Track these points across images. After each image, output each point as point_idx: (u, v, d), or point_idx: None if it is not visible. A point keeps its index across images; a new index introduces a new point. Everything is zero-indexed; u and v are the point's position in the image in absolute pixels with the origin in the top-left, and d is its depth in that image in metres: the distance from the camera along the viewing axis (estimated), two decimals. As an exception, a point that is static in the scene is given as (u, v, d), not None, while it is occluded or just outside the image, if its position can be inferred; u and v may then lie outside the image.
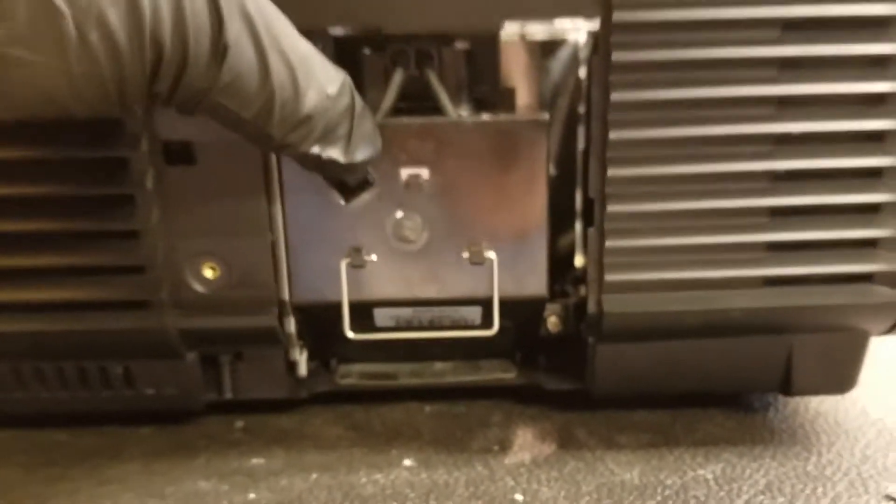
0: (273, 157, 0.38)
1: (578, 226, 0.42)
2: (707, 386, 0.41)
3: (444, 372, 0.46)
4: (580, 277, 0.42)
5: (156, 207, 0.37)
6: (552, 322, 0.43)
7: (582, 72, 0.40)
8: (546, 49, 0.42)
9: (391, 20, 0.36)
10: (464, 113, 0.40)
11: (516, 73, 0.41)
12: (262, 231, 0.38)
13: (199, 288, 0.39)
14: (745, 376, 0.41)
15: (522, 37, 0.39)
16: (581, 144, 0.40)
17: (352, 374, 0.45)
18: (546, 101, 0.43)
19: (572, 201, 0.42)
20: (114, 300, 0.38)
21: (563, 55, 0.43)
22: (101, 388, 0.41)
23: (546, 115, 0.38)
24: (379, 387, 0.45)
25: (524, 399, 0.45)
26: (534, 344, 0.44)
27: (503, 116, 0.38)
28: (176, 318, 0.39)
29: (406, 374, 0.45)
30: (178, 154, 0.37)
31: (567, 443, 0.41)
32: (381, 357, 0.46)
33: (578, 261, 0.43)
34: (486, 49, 0.40)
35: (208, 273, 0.39)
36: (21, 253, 0.37)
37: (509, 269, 0.39)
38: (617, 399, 0.43)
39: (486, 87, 0.41)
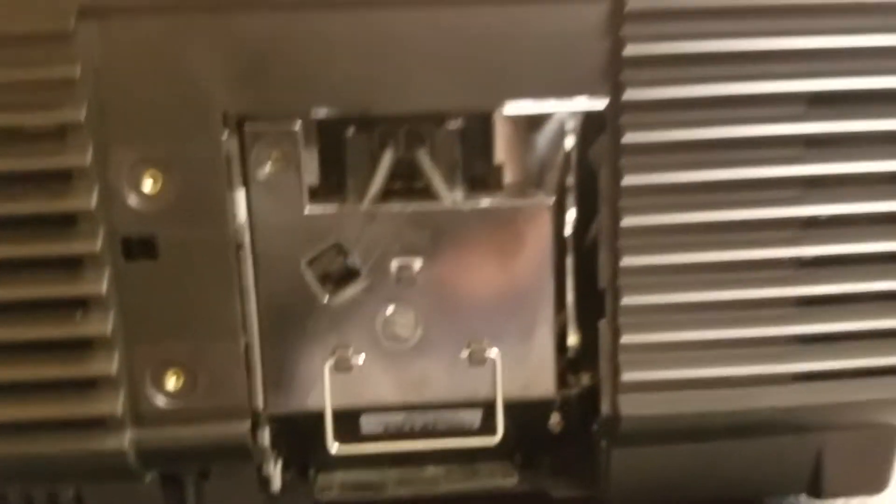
0: (247, 251, 0.34)
1: (570, 298, 0.38)
2: (731, 490, 0.38)
3: (436, 479, 0.41)
4: (575, 362, 0.38)
5: (112, 311, 0.32)
6: (554, 421, 0.39)
7: (568, 146, 0.38)
8: (532, 123, 0.39)
9: (383, 102, 0.32)
10: (457, 194, 0.37)
11: (511, 150, 0.38)
12: (234, 333, 0.34)
13: (160, 400, 0.34)
14: (773, 478, 0.37)
15: (519, 115, 0.36)
16: (568, 228, 0.37)
17: (333, 487, 0.40)
18: (543, 179, 0.40)
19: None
20: (62, 419, 0.33)
21: (549, 129, 0.40)
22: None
23: (551, 199, 0.35)
24: (364, 499, 0.40)
25: (526, 506, 0.41)
26: (535, 444, 0.40)
27: (504, 201, 0.35)
28: (134, 435, 0.34)
29: (394, 482, 0.40)
30: (139, 249, 0.33)
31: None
32: (364, 463, 0.41)
33: (571, 339, 0.39)
34: (479, 126, 0.37)
35: (171, 382, 0.34)
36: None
37: (513, 368, 0.36)
38: (630, 506, 0.39)
39: (480, 166, 0.38)
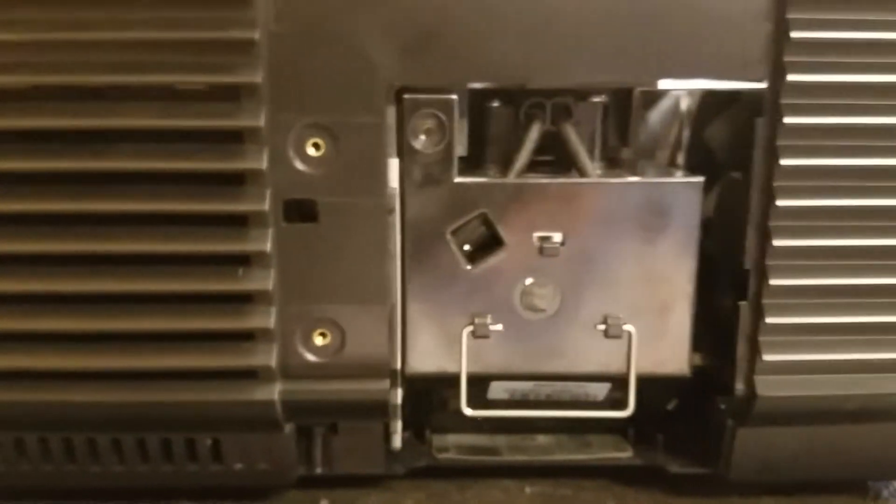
0: (397, 216, 0.35)
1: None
2: (852, 473, 0.38)
3: (549, 447, 0.42)
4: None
5: (273, 269, 0.34)
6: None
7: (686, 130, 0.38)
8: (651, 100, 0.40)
9: (541, 77, 0.33)
10: (597, 170, 0.37)
11: (654, 128, 0.38)
12: (383, 296, 0.35)
13: (309, 356, 0.35)
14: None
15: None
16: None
17: (449, 448, 0.42)
18: (655, 155, 0.40)
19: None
20: (219, 369, 0.34)
21: (665, 106, 0.40)
22: (187, 462, 0.38)
23: (700, 177, 0.35)
24: (479, 463, 0.41)
25: (638, 480, 0.42)
26: (648, 419, 0.41)
27: (653, 178, 0.36)
28: (282, 388, 0.35)
29: (507, 448, 0.42)
30: (299, 212, 0.34)
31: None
32: (477, 428, 0.42)
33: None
34: (622, 102, 0.37)
35: (319, 340, 0.36)
36: (119, 315, 0.33)
37: (649, 344, 0.36)
38: (748, 485, 0.40)
39: (622, 143, 0.38)
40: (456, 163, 0.35)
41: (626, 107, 0.38)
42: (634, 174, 0.37)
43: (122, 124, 0.31)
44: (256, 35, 0.31)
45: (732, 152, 0.36)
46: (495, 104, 0.37)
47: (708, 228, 0.37)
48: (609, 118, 0.38)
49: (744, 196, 0.34)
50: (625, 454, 0.40)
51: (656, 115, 0.40)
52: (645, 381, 0.37)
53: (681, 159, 0.38)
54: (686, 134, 0.38)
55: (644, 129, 0.38)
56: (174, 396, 0.35)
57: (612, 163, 0.38)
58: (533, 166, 0.37)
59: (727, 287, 0.36)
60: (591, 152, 0.37)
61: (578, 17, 0.32)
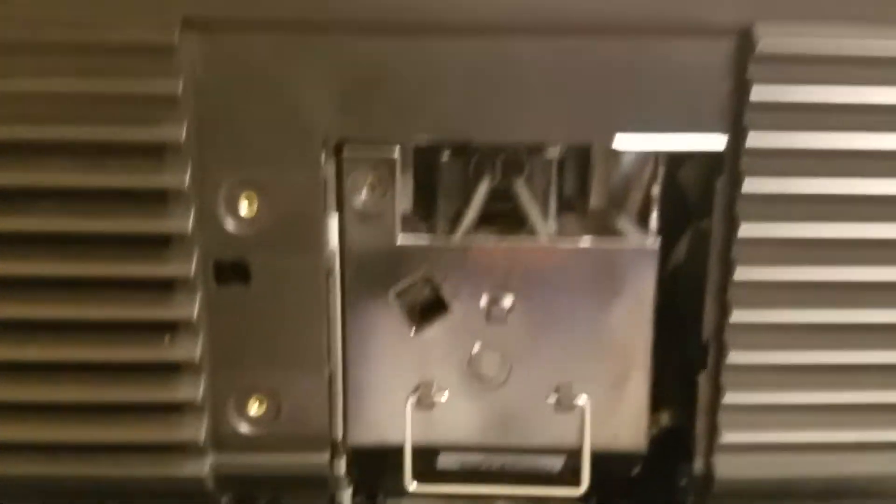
0: (336, 278, 0.33)
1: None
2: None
3: None
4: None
5: (202, 335, 0.32)
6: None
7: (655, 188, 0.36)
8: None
9: (489, 131, 0.31)
10: (550, 225, 0.35)
11: (600, 180, 0.36)
12: (320, 362, 0.33)
13: (243, 426, 0.33)
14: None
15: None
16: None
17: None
18: (624, 208, 0.38)
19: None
20: (146, 443, 0.32)
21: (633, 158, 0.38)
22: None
23: (656, 242, 0.33)
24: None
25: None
26: (612, 489, 0.39)
27: (606, 240, 0.33)
28: (214, 461, 0.33)
29: None
30: (231, 273, 0.32)
31: None
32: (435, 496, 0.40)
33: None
34: (580, 154, 0.36)
35: (254, 409, 0.33)
36: (39, 384, 0.31)
37: (603, 417, 0.34)
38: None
39: (574, 200, 0.36)
40: (399, 221, 0.33)
41: (584, 158, 0.36)
42: (592, 230, 0.35)
43: (38, 181, 0.30)
44: (179, 87, 0.29)
45: (699, 201, 0.34)
46: (443, 157, 0.35)
47: (676, 279, 0.35)
48: (566, 171, 0.36)
49: (702, 262, 0.32)
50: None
51: (618, 166, 0.38)
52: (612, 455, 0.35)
53: (646, 211, 0.37)
54: (653, 185, 0.36)
55: (604, 182, 0.36)
56: (102, 470, 0.33)
57: (570, 216, 0.36)
58: (484, 219, 0.35)
59: (692, 348, 0.34)
60: (545, 207, 0.35)
61: (532, 70, 0.30)
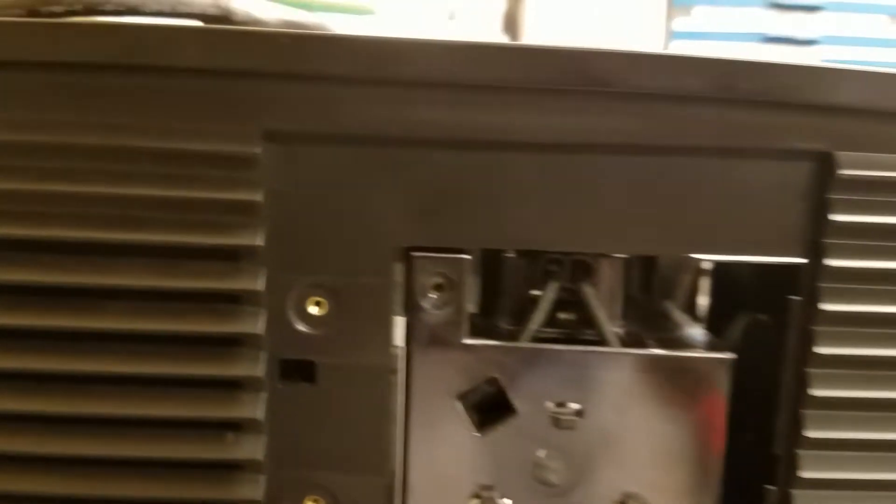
0: (400, 379, 0.33)
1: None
2: None
3: None
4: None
5: (265, 435, 0.31)
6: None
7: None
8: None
9: (559, 243, 0.31)
10: (618, 330, 0.35)
11: (674, 290, 0.36)
12: (382, 464, 0.33)
13: (299, 533, 0.33)
14: None
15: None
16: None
17: None
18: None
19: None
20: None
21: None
22: None
23: (730, 354, 0.33)
24: None
25: None
26: None
27: (679, 352, 0.33)
28: (270, 563, 0.33)
29: None
30: (297, 371, 0.32)
31: None
32: None
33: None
34: (644, 262, 0.35)
35: (310, 521, 0.33)
36: (105, 480, 0.31)
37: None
38: None
39: (641, 304, 0.36)
40: (466, 324, 0.33)
41: (650, 261, 0.36)
42: (660, 336, 0.34)
43: (114, 282, 0.30)
44: (260, 196, 0.29)
45: (761, 295, 0.33)
46: (511, 259, 0.35)
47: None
48: (632, 272, 0.36)
49: (773, 380, 0.32)
50: None
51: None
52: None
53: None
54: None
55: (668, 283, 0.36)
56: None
57: (636, 320, 0.36)
58: (550, 321, 0.35)
59: (758, 456, 0.34)
60: (611, 310, 0.35)
61: (606, 187, 0.31)
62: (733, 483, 0.34)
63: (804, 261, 0.30)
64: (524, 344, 0.33)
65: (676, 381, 0.32)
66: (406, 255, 0.32)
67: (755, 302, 0.35)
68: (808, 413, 0.31)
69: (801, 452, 0.31)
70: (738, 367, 0.34)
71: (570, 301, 0.35)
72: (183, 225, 0.30)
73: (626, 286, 0.36)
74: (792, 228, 0.30)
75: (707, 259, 0.33)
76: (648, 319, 0.36)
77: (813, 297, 0.30)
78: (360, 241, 0.31)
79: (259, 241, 0.30)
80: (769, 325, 0.34)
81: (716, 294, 0.39)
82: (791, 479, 0.31)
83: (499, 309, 0.36)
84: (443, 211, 0.31)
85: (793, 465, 0.31)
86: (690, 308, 0.39)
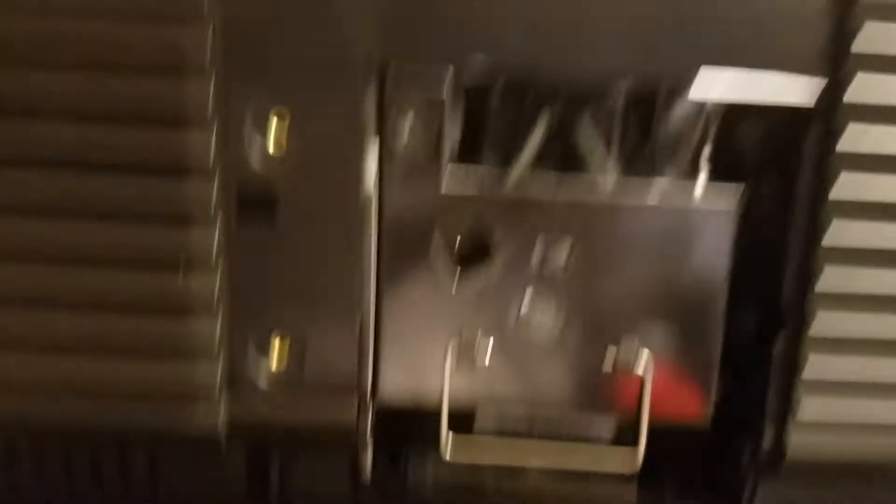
0: (373, 220, 0.30)
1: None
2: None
3: (542, 492, 0.37)
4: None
5: (218, 271, 0.29)
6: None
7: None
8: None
9: (552, 56, 0.28)
10: (609, 172, 0.32)
11: (674, 132, 0.33)
12: (351, 310, 0.30)
13: (263, 376, 0.30)
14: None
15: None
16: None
17: (427, 481, 0.37)
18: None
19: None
20: (157, 392, 0.29)
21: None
22: (120, 482, 0.33)
23: (732, 205, 0.30)
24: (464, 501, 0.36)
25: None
26: (656, 459, 0.36)
27: (676, 199, 0.30)
28: (230, 412, 0.30)
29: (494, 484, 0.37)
30: (256, 204, 0.29)
31: None
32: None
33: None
34: (643, 99, 0.32)
35: (275, 353, 0.30)
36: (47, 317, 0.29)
37: (664, 384, 0.31)
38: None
39: (639, 146, 0.33)
40: (446, 164, 0.30)
41: (648, 103, 0.32)
42: (655, 182, 0.31)
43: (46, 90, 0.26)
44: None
45: (768, 158, 0.30)
46: (497, 97, 0.31)
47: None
48: (629, 116, 0.32)
49: (781, 222, 0.29)
50: (628, 496, 0.35)
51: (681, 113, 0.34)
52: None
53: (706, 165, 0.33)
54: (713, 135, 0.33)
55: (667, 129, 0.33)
56: (105, 416, 0.30)
57: (630, 164, 0.33)
58: (544, 160, 0.31)
59: (752, 321, 0.31)
60: (607, 152, 0.32)
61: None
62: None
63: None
64: (508, 183, 0.30)
65: (676, 232, 0.30)
66: (378, 74, 0.28)
67: (762, 156, 0.32)
68: (821, 258, 0.28)
69: (812, 303, 0.28)
70: (741, 222, 0.31)
71: (562, 142, 0.32)
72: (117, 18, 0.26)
73: (624, 129, 0.32)
74: (813, 45, 0.27)
75: (713, 101, 0.29)
76: (647, 166, 0.33)
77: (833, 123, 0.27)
78: (325, 51, 0.27)
79: (204, 41, 0.26)
80: (775, 181, 0.31)
81: (720, 144, 0.36)
82: (801, 334, 0.29)
83: (484, 152, 0.32)
84: (417, 17, 0.27)
85: (802, 317, 0.29)
86: (694, 159, 0.36)
